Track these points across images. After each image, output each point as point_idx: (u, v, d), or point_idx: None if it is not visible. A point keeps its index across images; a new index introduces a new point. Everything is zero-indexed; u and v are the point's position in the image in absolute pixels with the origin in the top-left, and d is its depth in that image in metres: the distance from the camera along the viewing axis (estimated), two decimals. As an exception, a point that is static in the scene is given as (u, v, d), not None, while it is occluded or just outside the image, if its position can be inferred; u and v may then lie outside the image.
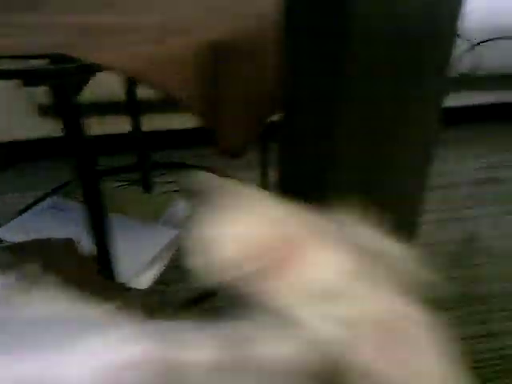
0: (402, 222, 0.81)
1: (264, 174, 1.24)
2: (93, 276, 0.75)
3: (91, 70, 0.64)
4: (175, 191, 1.44)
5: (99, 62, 0.58)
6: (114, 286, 0.77)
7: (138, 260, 1.15)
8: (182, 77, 0.67)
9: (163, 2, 0.88)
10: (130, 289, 1.02)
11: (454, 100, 1.93)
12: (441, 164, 1.75)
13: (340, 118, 0.61)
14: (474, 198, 1.59)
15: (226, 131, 0.69)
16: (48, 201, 1.39)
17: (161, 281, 1.13)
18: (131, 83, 1.31)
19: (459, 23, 0.64)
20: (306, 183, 0.67)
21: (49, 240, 0.87)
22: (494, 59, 1.75)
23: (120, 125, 1.50)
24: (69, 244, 0.87)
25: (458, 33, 0.65)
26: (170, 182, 1.55)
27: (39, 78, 0.66)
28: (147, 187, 1.50)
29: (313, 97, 0.61)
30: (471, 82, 1.84)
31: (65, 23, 0.73)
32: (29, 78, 0.65)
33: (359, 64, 0.58)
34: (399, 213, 0.77)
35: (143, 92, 1.30)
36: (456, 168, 1.76)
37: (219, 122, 0.68)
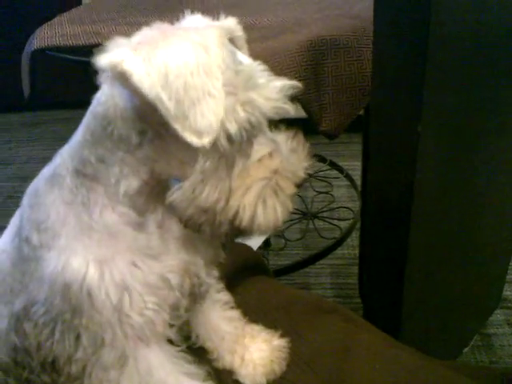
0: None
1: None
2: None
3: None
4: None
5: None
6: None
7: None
8: (292, 66, 0.82)
9: (278, 6, 1.03)
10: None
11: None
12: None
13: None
14: None
15: (327, 114, 0.83)
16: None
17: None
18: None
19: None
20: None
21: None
22: None
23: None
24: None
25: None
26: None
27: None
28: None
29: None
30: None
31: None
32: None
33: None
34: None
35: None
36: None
37: (322, 106, 0.82)
